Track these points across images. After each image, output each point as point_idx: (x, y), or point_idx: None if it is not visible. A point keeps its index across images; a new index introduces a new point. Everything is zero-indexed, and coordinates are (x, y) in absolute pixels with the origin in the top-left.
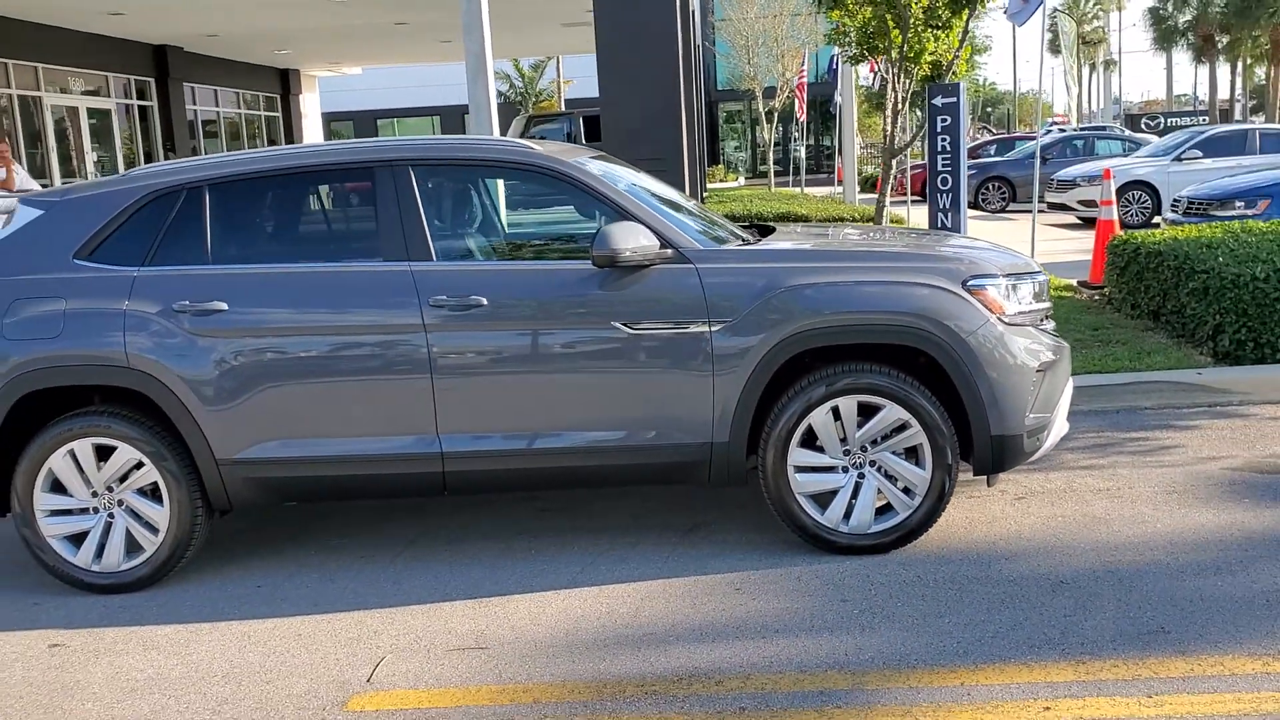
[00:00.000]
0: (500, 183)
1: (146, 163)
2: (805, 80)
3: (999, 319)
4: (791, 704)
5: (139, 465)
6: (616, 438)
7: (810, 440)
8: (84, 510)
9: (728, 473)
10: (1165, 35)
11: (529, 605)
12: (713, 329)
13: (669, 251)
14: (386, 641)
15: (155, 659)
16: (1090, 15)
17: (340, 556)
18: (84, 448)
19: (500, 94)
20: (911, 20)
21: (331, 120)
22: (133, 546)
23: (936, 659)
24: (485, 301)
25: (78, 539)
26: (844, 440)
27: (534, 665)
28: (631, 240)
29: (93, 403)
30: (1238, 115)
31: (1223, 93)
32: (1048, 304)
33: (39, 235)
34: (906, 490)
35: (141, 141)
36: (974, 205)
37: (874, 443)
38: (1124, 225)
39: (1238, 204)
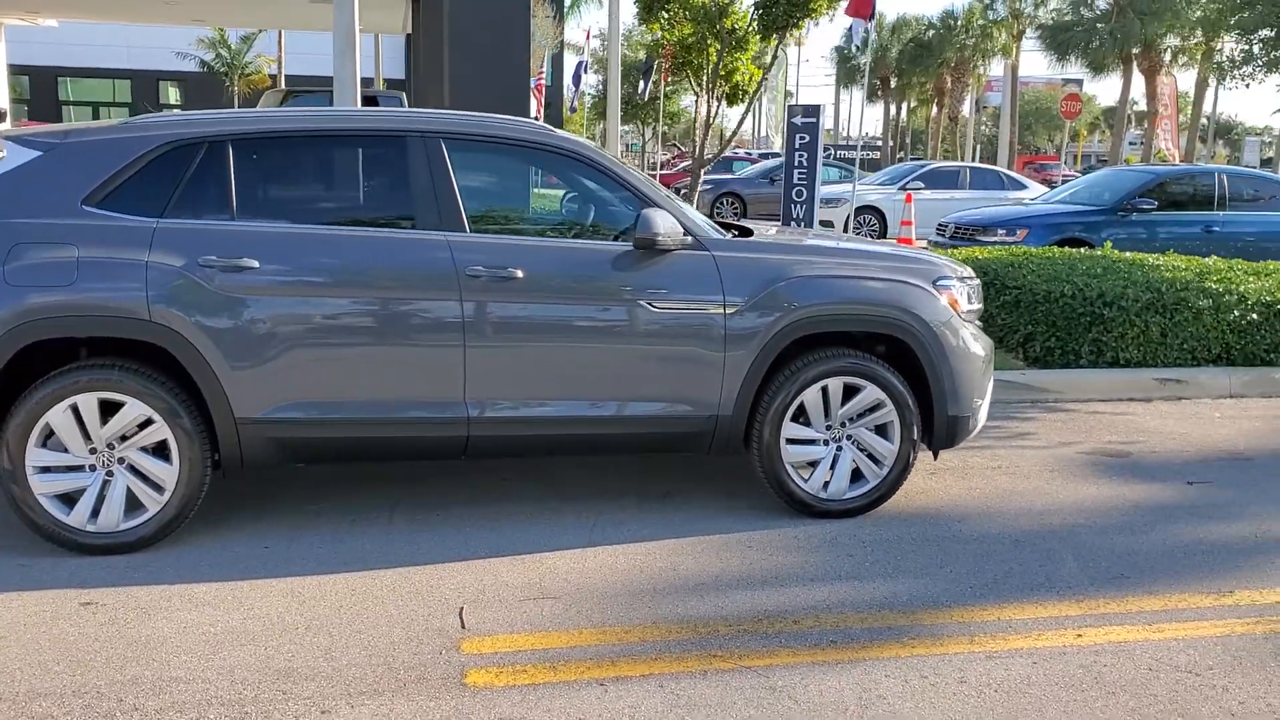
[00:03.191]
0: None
1: None
2: (543, 82)
3: (957, 315)
4: (869, 638)
5: (147, 422)
6: (635, 408)
7: (799, 415)
8: (79, 468)
9: (728, 443)
10: (849, 74)
11: (565, 562)
12: (727, 311)
13: (689, 239)
14: (449, 594)
15: (214, 614)
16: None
17: (329, 521)
18: (88, 402)
19: (204, 63)
20: (730, 39)
21: (11, 73)
22: (133, 505)
23: (965, 600)
24: (520, 274)
25: (69, 498)
26: (827, 416)
27: (615, 610)
28: (668, 226)
29: (79, 356)
30: (900, 152)
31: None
32: (981, 306)
33: (39, 178)
34: (876, 461)
35: None
36: (710, 217)
37: (852, 419)
38: None
39: (1000, 231)
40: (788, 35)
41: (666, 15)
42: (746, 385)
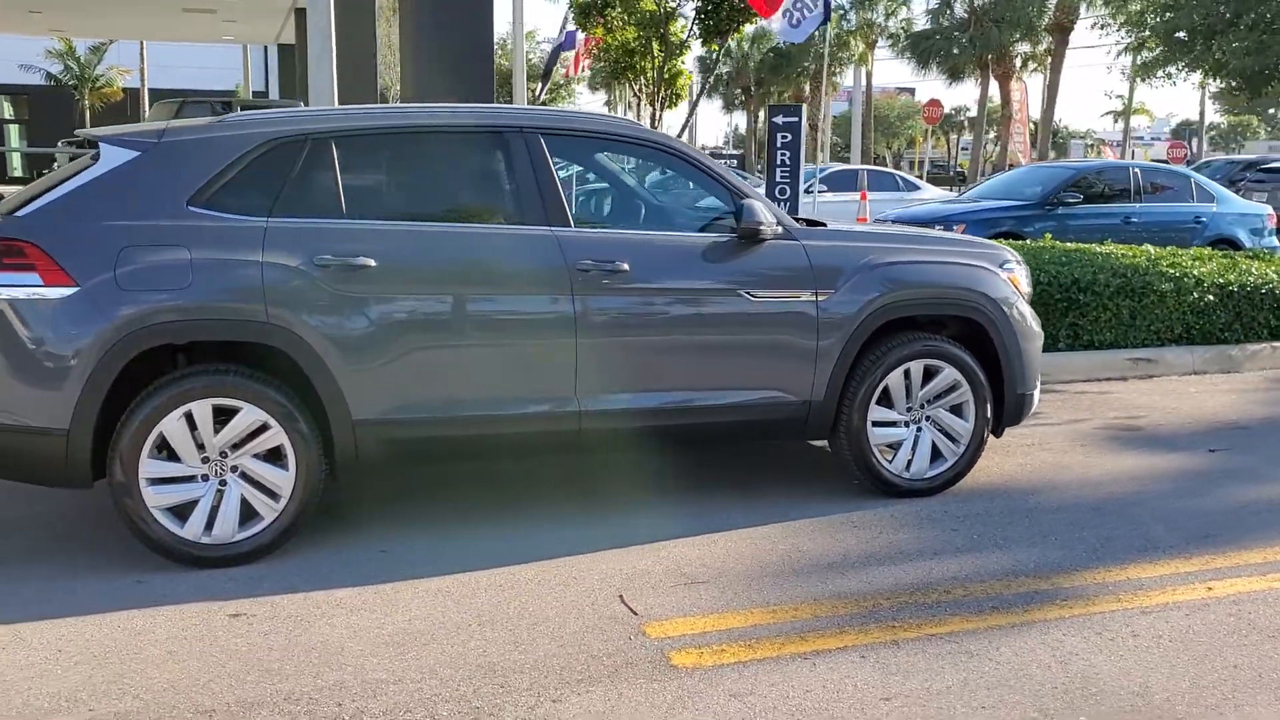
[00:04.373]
0: (614, 156)
1: None
2: None
3: (1022, 297)
4: (1025, 602)
5: (262, 428)
6: (735, 397)
7: (883, 399)
8: (191, 478)
9: (818, 428)
10: (714, 83)
11: (690, 549)
12: (819, 299)
13: (779, 228)
14: (595, 583)
15: (373, 617)
16: None
17: (430, 522)
18: (203, 409)
19: (51, 76)
20: (673, 41)
21: None
22: (248, 515)
23: (1086, 563)
24: (627, 267)
25: (181, 510)
26: (908, 398)
27: (770, 591)
28: (767, 215)
29: (175, 363)
30: (753, 157)
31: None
32: (1031, 289)
33: (140, 178)
34: (953, 440)
35: None
36: None
37: (930, 401)
38: None
39: (938, 227)
40: (730, 36)
41: (607, 19)
42: (837, 371)
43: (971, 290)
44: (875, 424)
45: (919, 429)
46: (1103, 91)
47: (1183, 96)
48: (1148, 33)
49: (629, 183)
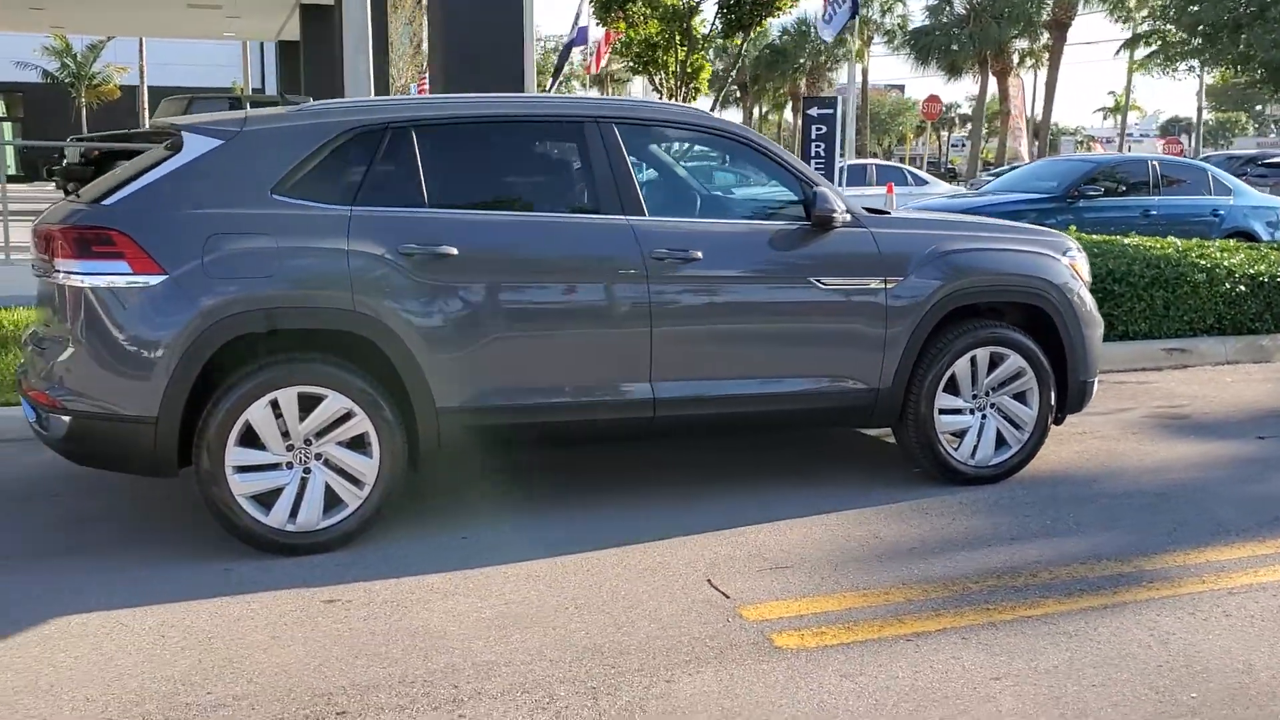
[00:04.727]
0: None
1: None
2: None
3: (1083, 284)
4: (1112, 585)
5: (347, 415)
6: (805, 384)
7: (949, 386)
8: (275, 466)
9: (885, 415)
10: (710, 79)
11: (766, 536)
12: (887, 286)
13: (848, 216)
14: (680, 568)
15: (470, 602)
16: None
17: (504, 510)
18: (289, 397)
19: (47, 74)
20: (695, 36)
21: None
22: (331, 502)
23: (1163, 547)
24: (700, 255)
25: (266, 498)
26: (974, 385)
27: (856, 576)
28: (840, 204)
29: (254, 352)
30: None
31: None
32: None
33: (223, 167)
34: (1017, 427)
35: None
36: None
37: (995, 388)
38: None
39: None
40: (754, 30)
41: (629, 12)
42: (905, 358)
43: (1037, 277)
44: (942, 411)
45: (984, 416)
46: (1105, 89)
47: (1170, 93)
48: (1170, 26)
49: (681, 172)
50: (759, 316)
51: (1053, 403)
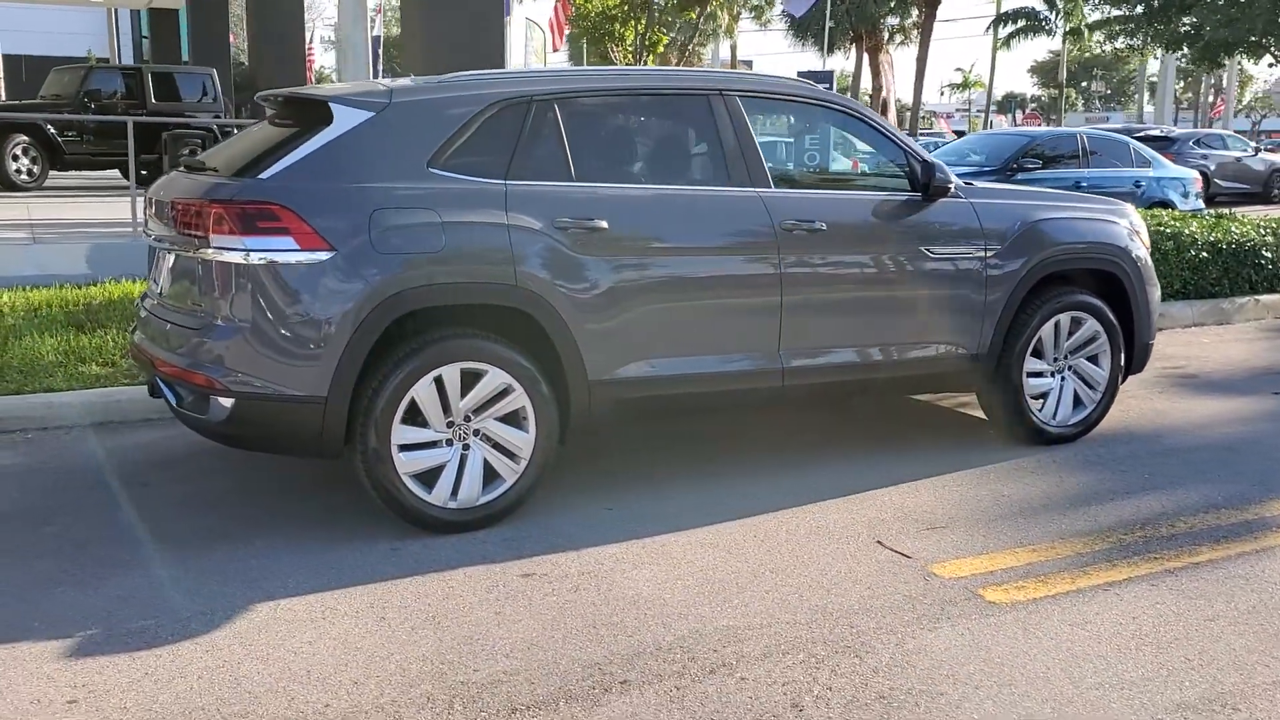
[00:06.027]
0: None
1: None
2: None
3: (1145, 248)
4: (1245, 531)
5: (505, 391)
6: (917, 351)
7: (1035, 350)
8: (436, 443)
9: (980, 380)
10: (576, 56)
11: (901, 498)
12: (987, 255)
13: (951, 187)
14: (841, 530)
15: (662, 570)
16: None
17: (637, 480)
18: (452, 374)
19: None
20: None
21: None
22: (489, 477)
23: (1266, 496)
24: (824, 226)
25: (426, 476)
26: (1056, 349)
27: (1013, 532)
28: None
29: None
30: None
31: None
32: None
33: (377, 140)
34: (1092, 388)
35: None
36: None
37: (1073, 351)
38: None
39: None
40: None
41: None
42: (1000, 324)
43: (1113, 244)
44: (1030, 374)
45: (1063, 379)
46: (953, 66)
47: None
48: (1109, 5)
49: (787, 144)
50: (878, 285)
51: (1121, 364)
